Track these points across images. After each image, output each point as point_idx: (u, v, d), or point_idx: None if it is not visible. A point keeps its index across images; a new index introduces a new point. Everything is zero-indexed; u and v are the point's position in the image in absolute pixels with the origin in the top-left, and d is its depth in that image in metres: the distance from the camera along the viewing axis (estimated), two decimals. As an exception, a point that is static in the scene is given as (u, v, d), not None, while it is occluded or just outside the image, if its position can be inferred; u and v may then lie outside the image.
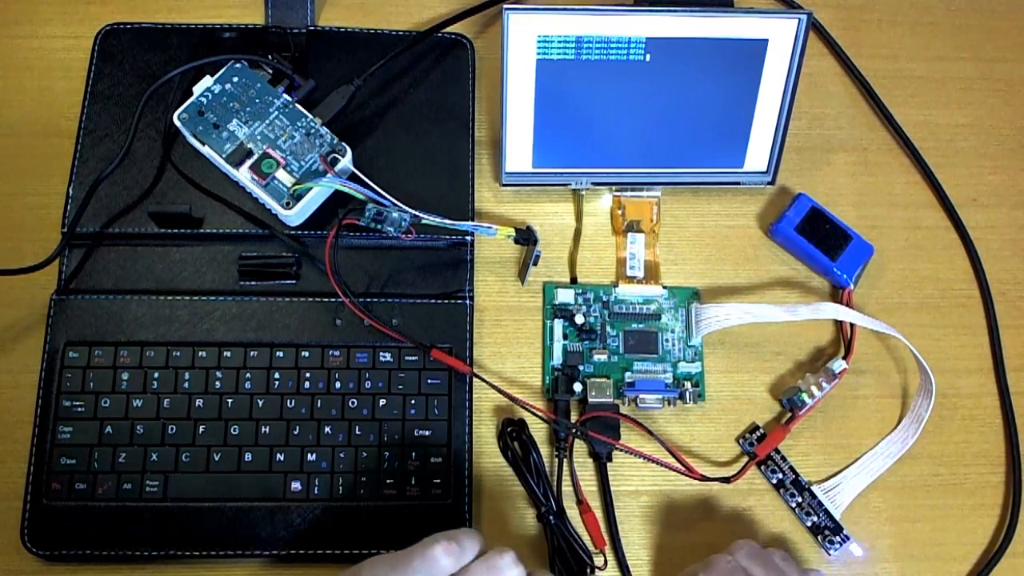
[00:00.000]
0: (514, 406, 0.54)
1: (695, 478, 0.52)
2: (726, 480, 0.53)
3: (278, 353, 0.53)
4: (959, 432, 0.57)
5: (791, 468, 0.55)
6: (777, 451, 0.55)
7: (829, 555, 0.53)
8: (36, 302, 0.54)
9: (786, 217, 0.58)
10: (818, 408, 0.56)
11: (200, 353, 0.53)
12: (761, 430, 0.55)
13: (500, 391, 0.52)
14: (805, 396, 0.54)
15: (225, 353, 0.53)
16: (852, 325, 0.56)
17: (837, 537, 0.53)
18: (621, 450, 0.53)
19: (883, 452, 0.55)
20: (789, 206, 0.59)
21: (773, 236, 0.59)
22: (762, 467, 0.55)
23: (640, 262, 0.58)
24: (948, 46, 0.66)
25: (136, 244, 0.55)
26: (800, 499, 0.54)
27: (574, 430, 0.53)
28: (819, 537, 0.54)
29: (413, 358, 0.54)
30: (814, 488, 0.54)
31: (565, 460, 0.53)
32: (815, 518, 0.54)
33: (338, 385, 0.53)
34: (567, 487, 0.53)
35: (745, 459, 0.54)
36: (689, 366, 0.56)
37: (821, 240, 0.58)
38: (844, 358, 0.55)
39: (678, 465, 0.52)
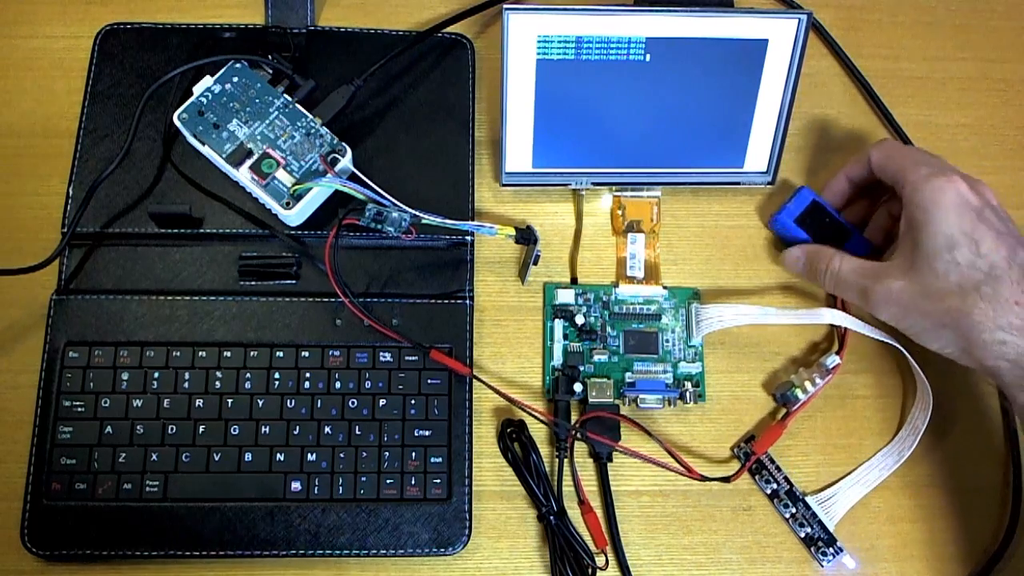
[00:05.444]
0: (514, 406, 0.54)
1: (694, 478, 0.52)
2: (726, 479, 0.53)
3: (278, 353, 0.53)
4: (959, 432, 0.57)
5: (785, 478, 0.54)
6: (772, 460, 0.55)
7: (822, 566, 0.53)
8: (36, 302, 0.54)
9: (787, 208, 0.57)
10: (816, 409, 0.56)
11: (200, 353, 0.53)
12: (757, 439, 0.55)
13: (499, 393, 0.52)
14: (799, 391, 0.54)
15: (225, 353, 0.53)
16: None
17: (830, 549, 0.53)
18: (620, 451, 0.53)
19: (879, 464, 0.55)
20: (791, 198, 0.58)
21: (772, 226, 0.59)
22: (756, 476, 0.54)
23: (640, 262, 0.58)
24: (948, 46, 0.66)
25: (136, 244, 0.55)
26: (794, 510, 0.54)
27: (573, 431, 0.53)
28: (812, 548, 0.53)
29: (413, 358, 0.54)
30: (808, 499, 0.54)
31: (566, 460, 0.53)
32: (808, 529, 0.53)
33: (338, 385, 0.53)
34: (568, 487, 0.53)
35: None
36: (689, 366, 0.56)
37: (820, 234, 0.57)
38: (838, 353, 0.55)
39: (677, 466, 0.52)
